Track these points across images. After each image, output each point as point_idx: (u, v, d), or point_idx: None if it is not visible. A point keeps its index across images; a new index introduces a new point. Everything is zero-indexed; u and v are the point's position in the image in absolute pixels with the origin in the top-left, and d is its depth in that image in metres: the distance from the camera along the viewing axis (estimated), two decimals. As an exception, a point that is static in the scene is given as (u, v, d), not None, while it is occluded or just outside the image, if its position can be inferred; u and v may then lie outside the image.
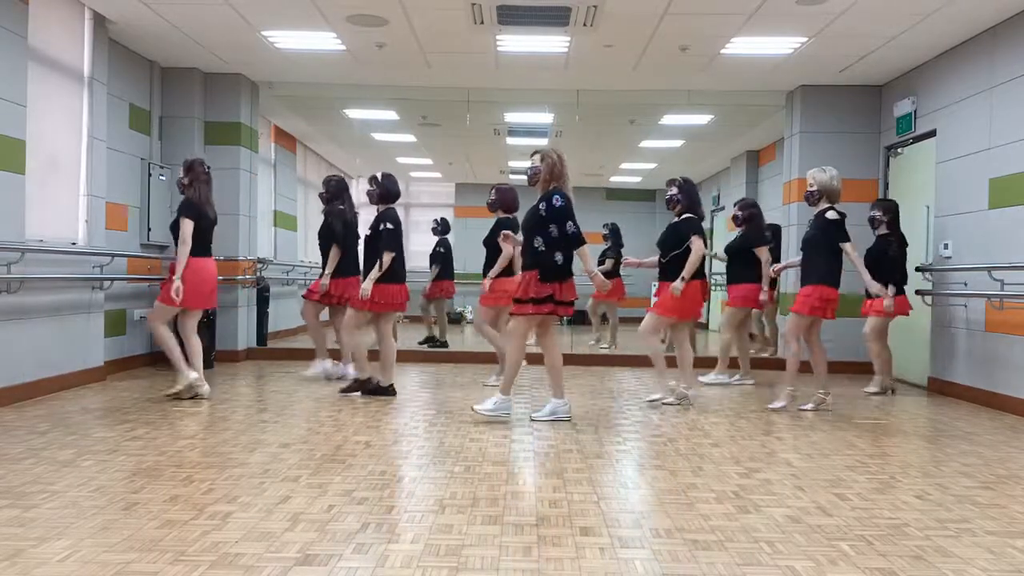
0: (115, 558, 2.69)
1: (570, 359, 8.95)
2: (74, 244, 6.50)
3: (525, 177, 5.53)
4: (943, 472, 4.18)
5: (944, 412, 6.14)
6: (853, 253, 5.95)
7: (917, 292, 7.21)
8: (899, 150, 8.23)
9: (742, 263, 7.44)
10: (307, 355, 8.98)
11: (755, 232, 7.49)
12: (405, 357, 8.35)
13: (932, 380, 7.29)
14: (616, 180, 15.97)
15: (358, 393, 6.25)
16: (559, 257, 5.19)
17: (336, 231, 6.92)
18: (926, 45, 7.11)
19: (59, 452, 4.19)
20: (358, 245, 6.97)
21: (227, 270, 8.60)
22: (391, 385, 6.27)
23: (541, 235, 5.21)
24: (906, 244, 6.81)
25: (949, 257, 7.03)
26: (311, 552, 2.79)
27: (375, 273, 5.95)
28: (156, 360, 8.03)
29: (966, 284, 6.66)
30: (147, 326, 5.74)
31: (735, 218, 7.66)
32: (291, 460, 4.12)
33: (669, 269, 6.13)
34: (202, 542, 2.86)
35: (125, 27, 7.04)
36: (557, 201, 5.20)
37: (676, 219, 6.22)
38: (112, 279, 6.83)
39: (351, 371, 6.83)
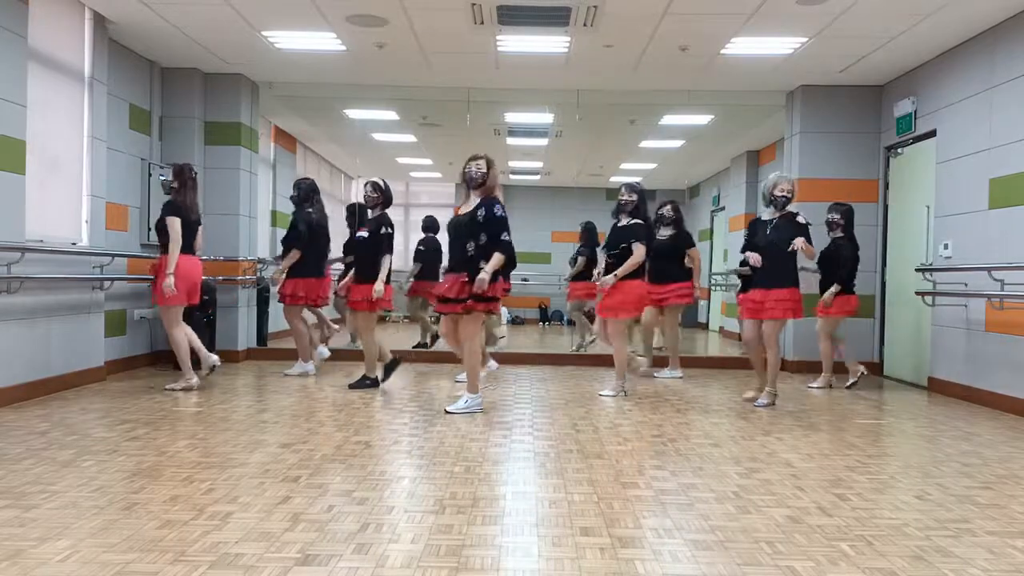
0: (115, 558, 2.69)
1: (569, 359, 8.98)
2: (74, 244, 6.51)
3: (466, 177, 5.55)
4: (943, 472, 4.18)
5: (944, 412, 6.14)
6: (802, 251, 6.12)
7: (917, 292, 7.21)
8: (899, 150, 8.22)
9: (671, 261, 7.75)
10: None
11: (685, 233, 7.93)
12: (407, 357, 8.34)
13: (932, 380, 7.29)
14: (616, 180, 15.92)
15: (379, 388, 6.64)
16: (483, 264, 5.38)
17: (301, 233, 7.15)
18: (926, 45, 7.11)
19: (59, 452, 4.19)
20: (328, 247, 7.45)
21: (227, 270, 8.60)
22: (376, 377, 6.68)
23: (474, 241, 5.41)
24: (857, 247, 7.11)
25: (949, 257, 7.03)
26: (311, 552, 2.79)
27: (383, 275, 6.34)
28: (156, 360, 8.03)
29: (966, 284, 6.66)
30: (167, 334, 6.26)
31: (661, 217, 7.92)
32: (291, 460, 4.12)
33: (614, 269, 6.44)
34: (202, 542, 2.87)
35: (125, 27, 7.04)
36: (498, 211, 5.42)
37: (627, 223, 6.59)
38: (112, 279, 6.83)
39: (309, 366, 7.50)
